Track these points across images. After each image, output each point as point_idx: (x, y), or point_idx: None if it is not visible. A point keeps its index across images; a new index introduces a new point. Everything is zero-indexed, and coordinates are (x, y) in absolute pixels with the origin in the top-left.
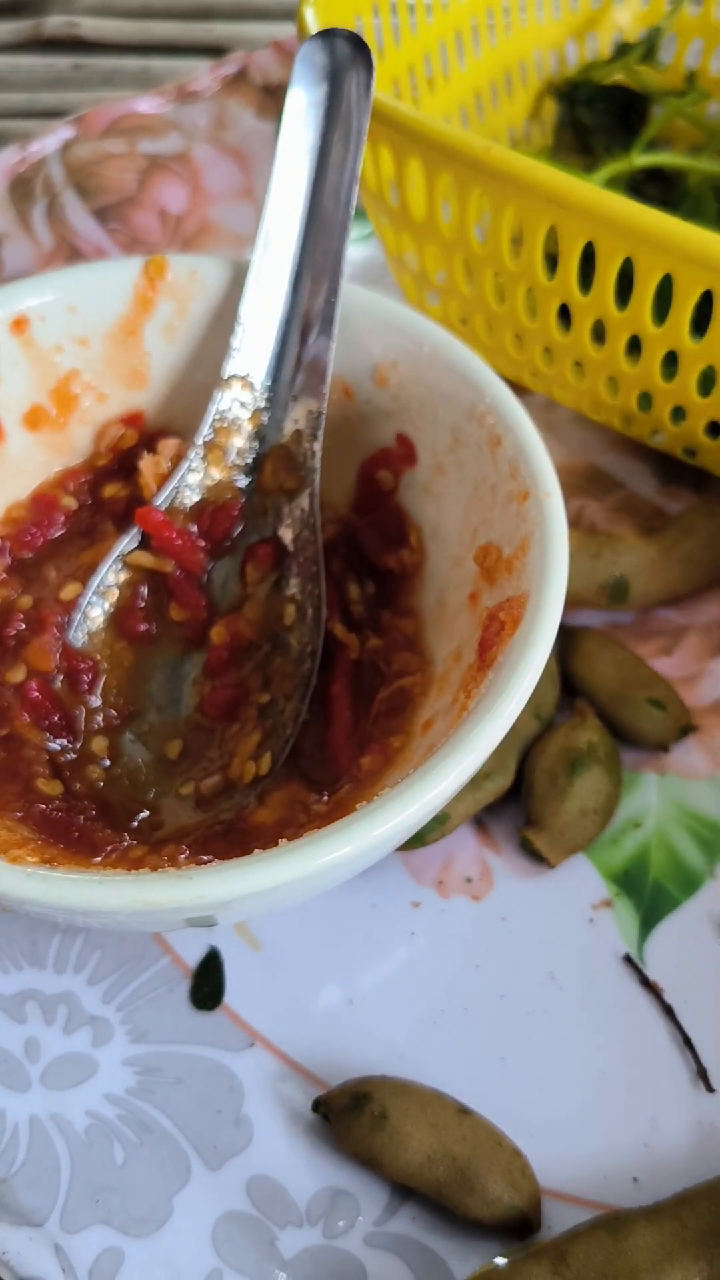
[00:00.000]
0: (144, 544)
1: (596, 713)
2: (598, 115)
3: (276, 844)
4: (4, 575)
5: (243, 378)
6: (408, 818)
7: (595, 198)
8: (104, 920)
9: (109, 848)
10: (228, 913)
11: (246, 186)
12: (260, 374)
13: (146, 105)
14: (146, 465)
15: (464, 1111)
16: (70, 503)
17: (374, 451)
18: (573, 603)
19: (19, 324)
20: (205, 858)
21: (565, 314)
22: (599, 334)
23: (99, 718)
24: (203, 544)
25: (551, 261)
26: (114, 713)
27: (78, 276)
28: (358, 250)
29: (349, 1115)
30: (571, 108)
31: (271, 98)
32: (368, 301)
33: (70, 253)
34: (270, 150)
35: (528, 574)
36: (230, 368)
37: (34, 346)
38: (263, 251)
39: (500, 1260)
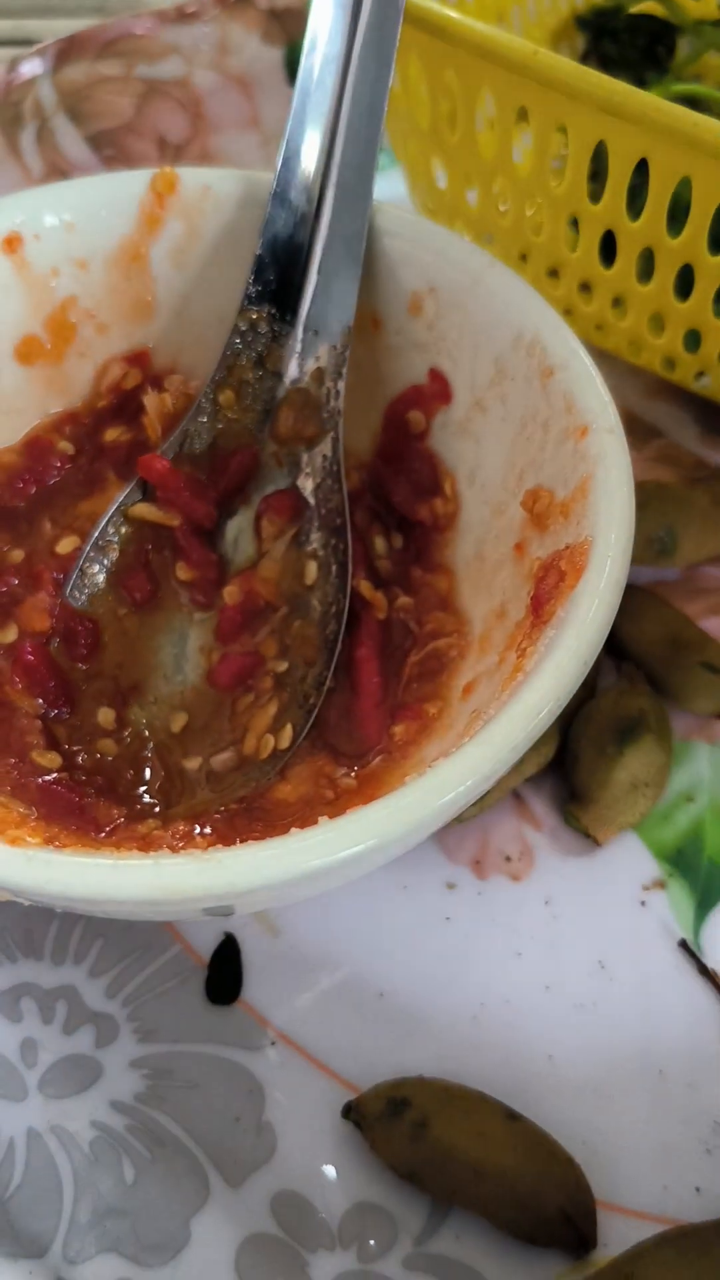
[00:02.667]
0: (148, 495)
1: (644, 676)
2: (623, 48)
3: (303, 821)
4: None
5: (260, 310)
6: (467, 790)
7: (654, 106)
8: (112, 910)
9: (115, 824)
10: (254, 900)
11: (252, 116)
12: (279, 305)
13: (143, 26)
14: (151, 404)
15: (512, 1117)
16: (67, 447)
17: (403, 390)
18: None
19: (11, 242)
20: (212, 836)
21: (607, 247)
22: (645, 266)
23: (98, 685)
24: (213, 495)
25: (597, 185)
26: (114, 680)
27: (78, 191)
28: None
29: (385, 1123)
30: (597, 39)
31: (278, 22)
32: (401, 223)
33: (61, 180)
34: (278, 78)
35: (590, 518)
36: (247, 298)
37: (28, 268)
38: (284, 169)
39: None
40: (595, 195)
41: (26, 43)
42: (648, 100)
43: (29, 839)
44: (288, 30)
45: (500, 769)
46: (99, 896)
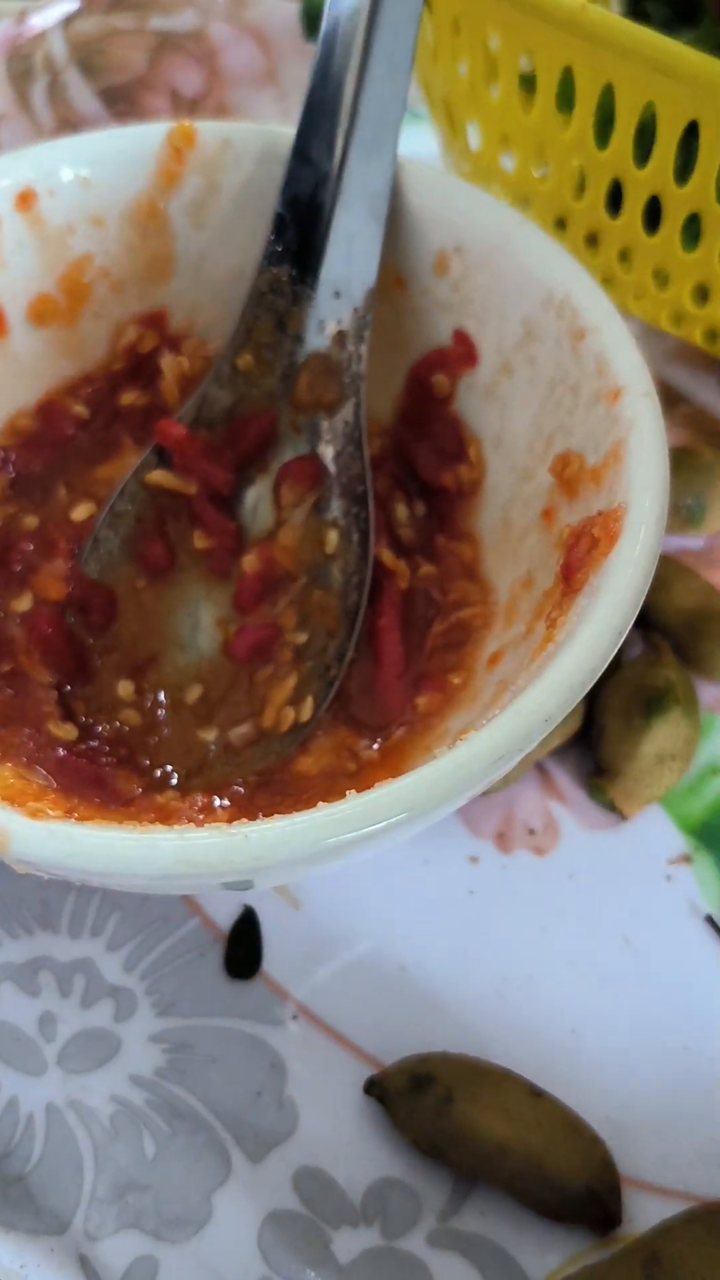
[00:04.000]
0: (164, 461)
1: (671, 647)
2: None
3: (324, 794)
4: (7, 491)
5: (280, 269)
6: (497, 763)
7: (709, 66)
8: (134, 884)
9: (134, 796)
10: (277, 874)
11: (268, 70)
12: (300, 266)
13: None
14: (169, 366)
15: (537, 1094)
16: (82, 411)
17: (427, 352)
18: None
19: (25, 198)
20: (232, 808)
21: (651, 212)
22: (691, 233)
23: (114, 656)
24: (231, 462)
25: (642, 149)
26: (130, 651)
27: (93, 145)
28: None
29: (409, 1099)
30: None
31: None
32: (427, 180)
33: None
34: (294, 31)
35: (623, 484)
36: (266, 258)
37: (42, 225)
38: (306, 124)
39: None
40: (643, 157)
41: None
42: (702, 61)
43: (50, 811)
44: None
45: (532, 742)
46: (122, 871)
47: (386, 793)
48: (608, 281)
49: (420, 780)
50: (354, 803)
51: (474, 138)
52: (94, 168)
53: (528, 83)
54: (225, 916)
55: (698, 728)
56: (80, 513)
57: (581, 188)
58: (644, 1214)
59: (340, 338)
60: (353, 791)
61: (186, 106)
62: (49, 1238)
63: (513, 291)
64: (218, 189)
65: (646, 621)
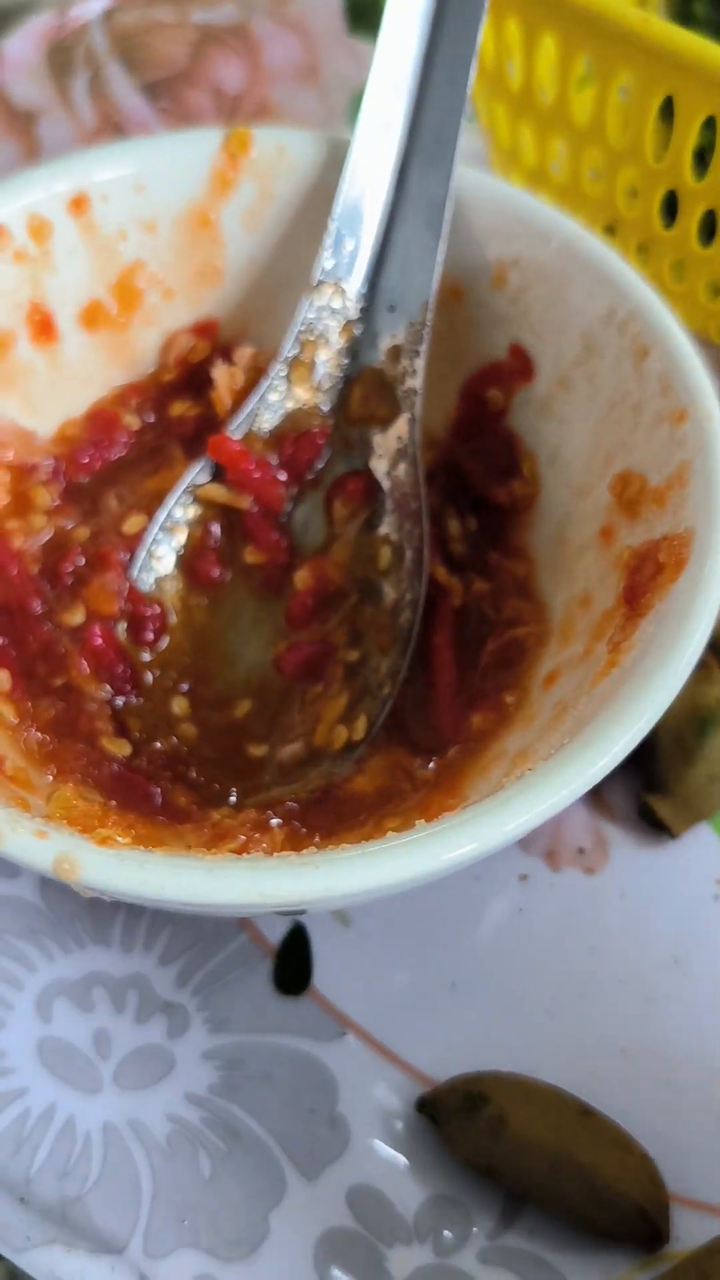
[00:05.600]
0: (216, 475)
1: None
2: (713, 8)
3: (379, 814)
4: (58, 502)
5: (335, 282)
6: (567, 795)
7: None
8: (201, 910)
9: (189, 814)
10: (343, 903)
11: (310, 65)
12: (356, 277)
13: None
14: (220, 376)
15: (587, 1112)
16: (133, 421)
17: (482, 366)
18: None
19: (79, 203)
20: (285, 827)
21: (708, 225)
22: None
23: (165, 671)
24: (283, 477)
25: (699, 159)
26: (181, 666)
27: (147, 150)
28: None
29: (462, 1119)
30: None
31: None
32: (486, 189)
33: (115, 132)
34: (337, 25)
35: (689, 507)
36: (321, 269)
37: (95, 231)
38: (362, 132)
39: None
40: (701, 169)
41: None
42: None
43: (119, 838)
44: None
45: (604, 772)
46: (193, 900)
47: (456, 824)
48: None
49: (488, 813)
50: (423, 835)
51: (525, 142)
52: (147, 173)
53: (582, 87)
54: (275, 933)
55: None
56: (132, 525)
57: (635, 199)
58: (691, 1232)
59: (395, 352)
60: (421, 821)
61: (229, 102)
62: (109, 1256)
63: (572, 306)
64: (271, 197)
65: None
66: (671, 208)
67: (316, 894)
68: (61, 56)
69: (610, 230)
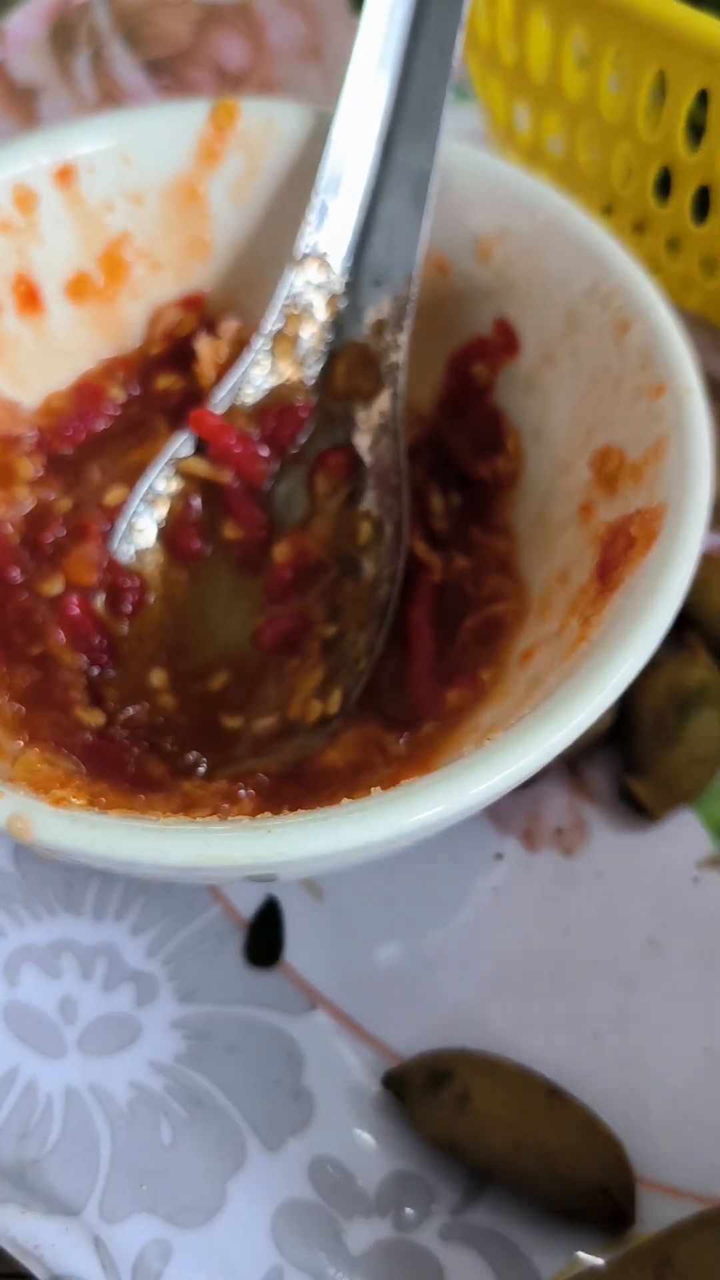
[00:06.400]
0: (199, 449)
1: (707, 646)
2: None
3: (351, 788)
4: (41, 473)
5: (319, 256)
6: (524, 767)
7: None
8: (155, 874)
9: (161, 783)
10: (301, 869)
11: (313, 45)
12: (340, 251)
13: None
14: (204, 349)
15: (554, 1092)
16: (118, 394)
17: (468, 341)
18: None
19: (65, 174)
20: (256, 798)
21: (700, 202)
22: None
23: (143, 644)
24: (265, 452)
25: (695, 135)
26: (159, 639)
27: (134, 121)
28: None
29: (427, 1095)
30: None
31: None
32: (471, 162)
33: (116, 109)
34: (340, 5)
35: (664, 482)
36: (305, 243)
37: (81, 202)
38: (348, 104)
39: (585, 1255)
40: (694, 143)
41: None
42: None
43: (74, 799)
44: None
45: (565, 743)
46: (144, 861)
47: (410, 791)
48: (655, 271)
49: (445, 780)
50: (376, 802)
51: (521, 120)
52: (134, 145)
53: (583, 62)
54: (248, 905)
55: None
56: (114, 497)
57: (629, 175)
58: (660, 1216)
59: (379, 326)
60: (378, 789)
61: (231, 81)
62: (64, 1218)
63: (557, 280)
64: (259, 169)
65: (684, 621)
66: (666, 186)
67: (269, 858)
68: (64, 34)
69: (608, 209)
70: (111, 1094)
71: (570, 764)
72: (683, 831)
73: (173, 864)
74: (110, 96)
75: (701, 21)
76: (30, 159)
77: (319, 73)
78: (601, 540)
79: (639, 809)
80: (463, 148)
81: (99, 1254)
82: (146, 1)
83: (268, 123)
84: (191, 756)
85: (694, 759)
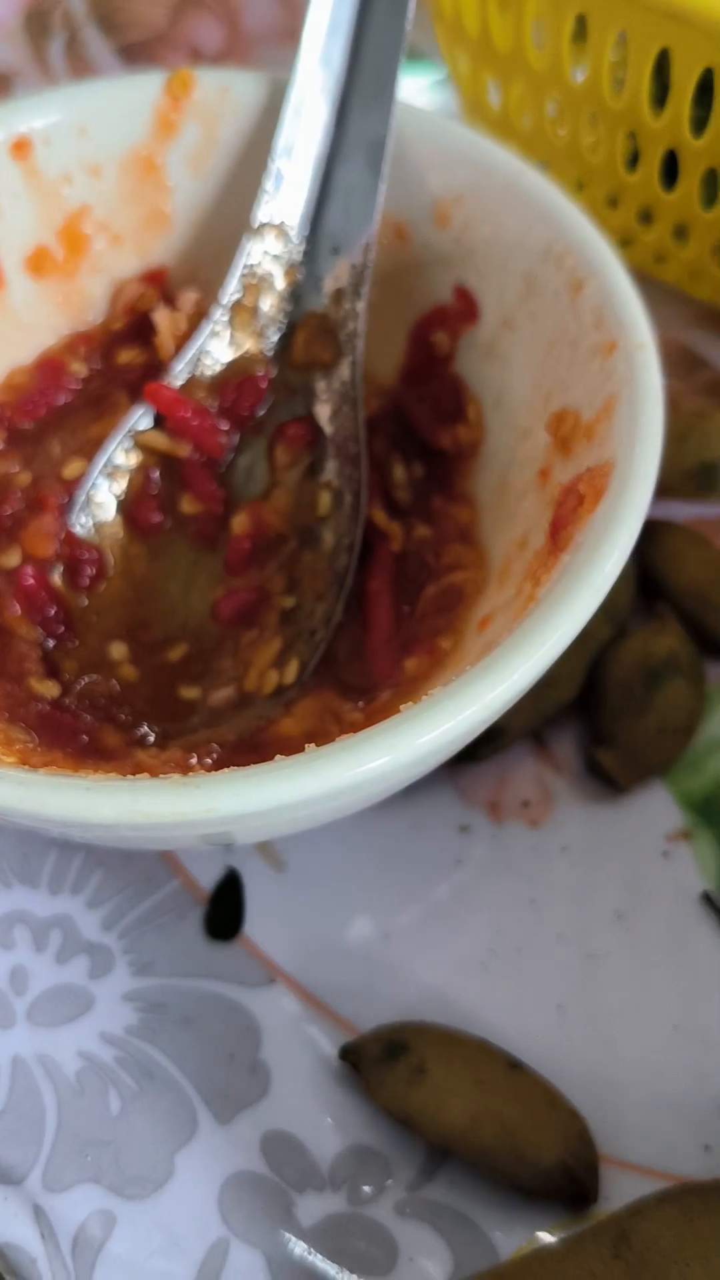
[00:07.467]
0: (159, 423)
1: (679, 618)
2: None
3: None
4: (1, 447)
5: (277, 225)
6: (461, 723)
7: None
8: (102, 835)
9: (116, 755)
10: (245, 830)
11: (289, 27)
12: (297, 219)
13: None
14: (163, 320)
15: (515, 1066)
16: (80, 369)
17: (428, 310)
18: (654, 492)
19: (20, 147)
20: (211, 766)
21: (670, 171)
22: (710, 190)
23: (101, 616)
24: (224, 425)
25: (660, 103)
26: (117, 611)
27: (89, 93)
28: (430, 100)
29: (382, 1066)
30: None
31: None
32: (426, 125)
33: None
34: None
35: (613, 439)
36: (262, 213)
37: (38, 175)
38: (302, 72)
39: (547, 1235)
40: (658, 109)
41: None
42: (713, 5)
43: (5, 758)
44: None
45: (505, 699)
46: (72, 818)
47: (344, 749)
48: (628, 243)
49: (378, 738)
50: (310, 758)
51: (493, 93)
52: (90, 116)
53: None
54: (209, 878)
55: (702, 701)
56: (72, 470)
57: (598, 146)
58: (624, 1194)
59: (338, 295)
60: (311, 746)
61: (206, 64)
62: (4, 1187)
63: (513, 243)
64: (217, 139)
65: (655, 592)
66: (636, 160)
67: (197, 814)
68: (39, 20)
69: (581, 185)
70: (60, 1064)
71: (537, 735)
72: (652, 804)
73: (100, 820)
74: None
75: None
76: None
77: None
78: (555, 502)
79: (607, 780)
80: (416, 110)
81: (39, 1223)
82: None
83: (223, 91)
84: (146, 727)
85: (663, 729)
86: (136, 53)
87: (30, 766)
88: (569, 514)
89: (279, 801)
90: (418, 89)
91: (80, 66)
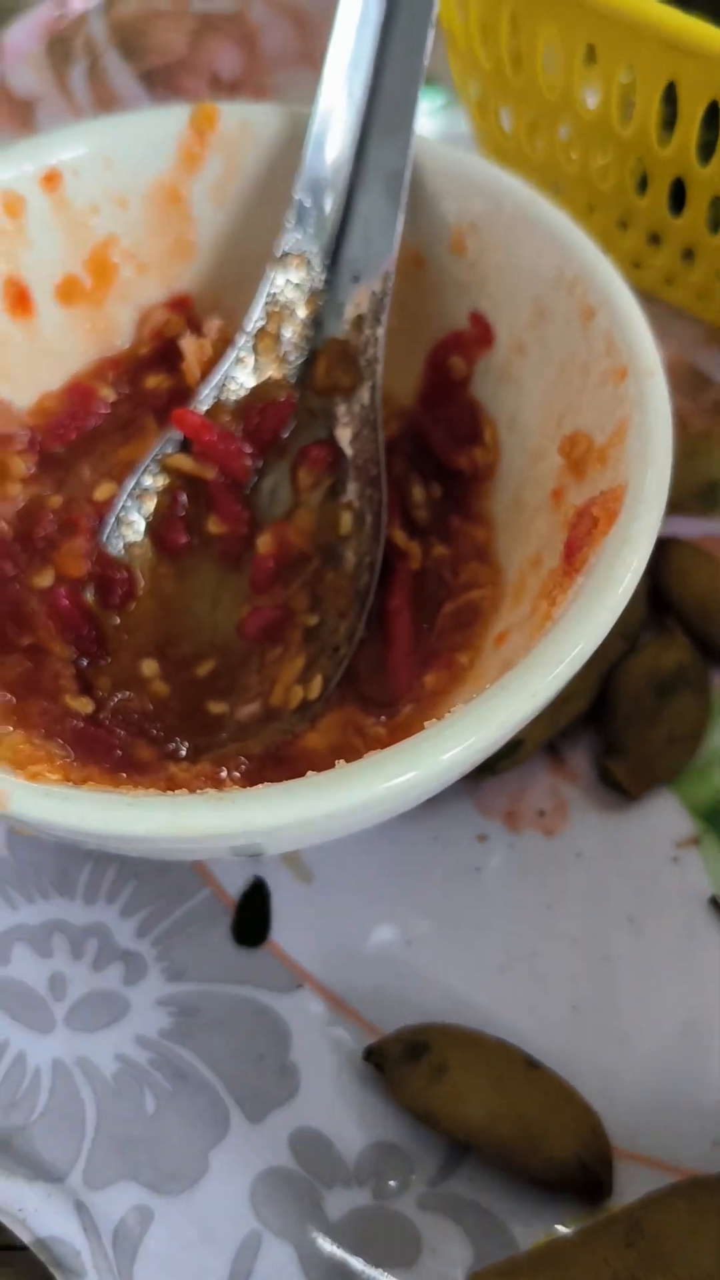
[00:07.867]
0: (185, 446)
1: (686, 632)
2: None
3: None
4: (34, 470)
5: (299, 254)
6: (481, 739)
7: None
8: (138, 847)
9: (150, 769)
10: (275, 841)
11: (305, 51)
12: (318, 249)
13: None
14: (189, 347)
15: (532, 1065)
16: (109, 394)
17: (445, 335)
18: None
19: (51, 179)
20: (240, 780)
21: (678, 196)
22: (717, 215)
23: (132, 634)
24: (249, 449)
25: (670, 126)
26: (147, 629)
27: (115, 126)
28: (435, 124)
29: (405, 1066)
30: None
31: None
32: (442, 157)
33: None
34: (332, 12)
35: (625, 463)
36: (285, 243)
37: (67, 206)
38: (323, 106)
39: (564, 1229)
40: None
41: None
42: (717, 37)
43: (50, 775)
44: None
45: (523, 715)
46: (113, 833)
47: (372, 766)
48: (638, 265)
49: (405, 755)
50: (341, 774)
51: (505, 120)
52: (117, 149)
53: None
54: (236, 887)
55: (708, 711)
56: (103, 493)
57: (607, 173)
58: (639, 1187)
59: (358, 322)
60: (341, 762)
61: (226, 89)
62: (47, 1184)
63: (525, 269)
64: (239, 171)
65: (664, 607)
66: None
67: (234, 827)
68: (61, 46)
69: (592, 209)
70: (97, 1067)
71: (552, 747)
72: (662, 811)
73: (138, 834)
74: (106, 106)
75: (661, 13)
76: (16, 165)
77: (312, 78)
78: (569, 523)
79: (619, 790)
80: (433, 142)
81: (81, 1218)
82: (142, 13)
83: (244, 125)
84: (177, 742)
85: (672, 739)
86: (157, 78)
87: (72, 782)
88: (583, 536)
89: (311, 815)
90: (424, 112)
91: (102, 92)
